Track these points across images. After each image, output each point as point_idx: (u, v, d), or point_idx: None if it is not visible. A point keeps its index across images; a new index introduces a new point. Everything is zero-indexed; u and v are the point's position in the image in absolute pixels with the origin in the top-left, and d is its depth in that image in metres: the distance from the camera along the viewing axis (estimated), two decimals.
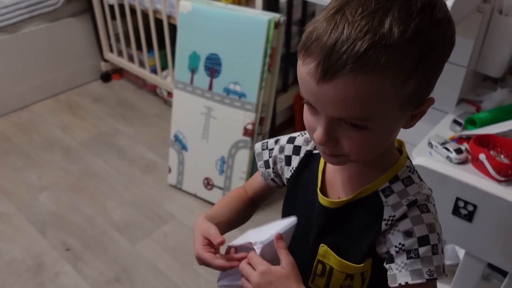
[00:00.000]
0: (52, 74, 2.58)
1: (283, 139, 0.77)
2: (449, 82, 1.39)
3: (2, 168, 2.11)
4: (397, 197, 0.62)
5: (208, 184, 1.89)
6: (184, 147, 1.91)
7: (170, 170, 1.98)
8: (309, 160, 0.73)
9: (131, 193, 1.98)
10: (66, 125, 2.41)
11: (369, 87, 0.50)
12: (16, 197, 1.96)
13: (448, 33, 0.55)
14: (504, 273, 1.19)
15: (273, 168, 0.77)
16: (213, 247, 0.69)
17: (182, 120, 1.90)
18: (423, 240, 0.60)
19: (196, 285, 1.60)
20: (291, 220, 0.65)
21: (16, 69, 2.43)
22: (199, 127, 1.85)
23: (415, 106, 0.57)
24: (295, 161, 0.74)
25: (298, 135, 0.76)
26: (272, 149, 0.77)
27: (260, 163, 0.79)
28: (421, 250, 0.60)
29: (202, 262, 0.70)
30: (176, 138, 1.93)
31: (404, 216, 0.61)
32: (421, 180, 0.66)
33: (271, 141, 0.78)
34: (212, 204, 1.90)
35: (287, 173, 0.75)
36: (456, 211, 1.02)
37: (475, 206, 0.98)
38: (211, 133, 1.82)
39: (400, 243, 0.61)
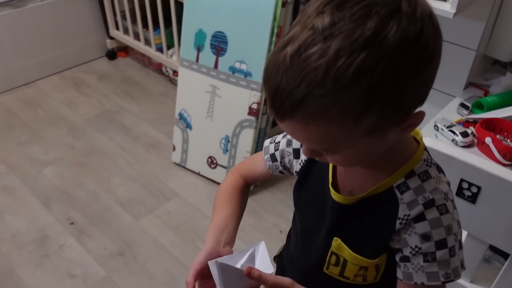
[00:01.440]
0: (57, 50, 2.58)
1: None
2: (458, 66, 1.38)
3: (8, 142, 2.12)
4: (413, 194, 0.59)
5: (212, 162, 1.90)
6: (188, 126, 1.91)
7: (174, 148, 1.99)
8: None
9: (135, 170, 1.99)
10: (71, 101, 2.41)
11: (314, 131, 0.49)
12: (21, 171, 1.97)
13: (417, 52, 0.46)
14: (505, 256, 1.19)
15: (281, 162, 0.77)
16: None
17: (187, 98, 1.89)
18: (440, 244, 0.59)
19: None
20: (251, 250, 0.66)
21: (22, 44, 2.42)
22: (204, 105, 1.84)
23: (395, 125, 0.51)
24: None
25: None
26: (278, 143, 0.77)
27: (266, 157, 0.78)
28: (438, 254, 0.59)
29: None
30: (181, 116, 1.93)
31: (421, 217, 0.59)
32: (439, 171, 0.62)
33: (279, 136, 0.78)
34: (216, 182, 1.91)
35: (297, 166, 0.74)
36: (460, 192, 1.02)
37: (479, 188, 0.98)
38: (215, 112, 1.82)
39: (416, 246, 0.59)
